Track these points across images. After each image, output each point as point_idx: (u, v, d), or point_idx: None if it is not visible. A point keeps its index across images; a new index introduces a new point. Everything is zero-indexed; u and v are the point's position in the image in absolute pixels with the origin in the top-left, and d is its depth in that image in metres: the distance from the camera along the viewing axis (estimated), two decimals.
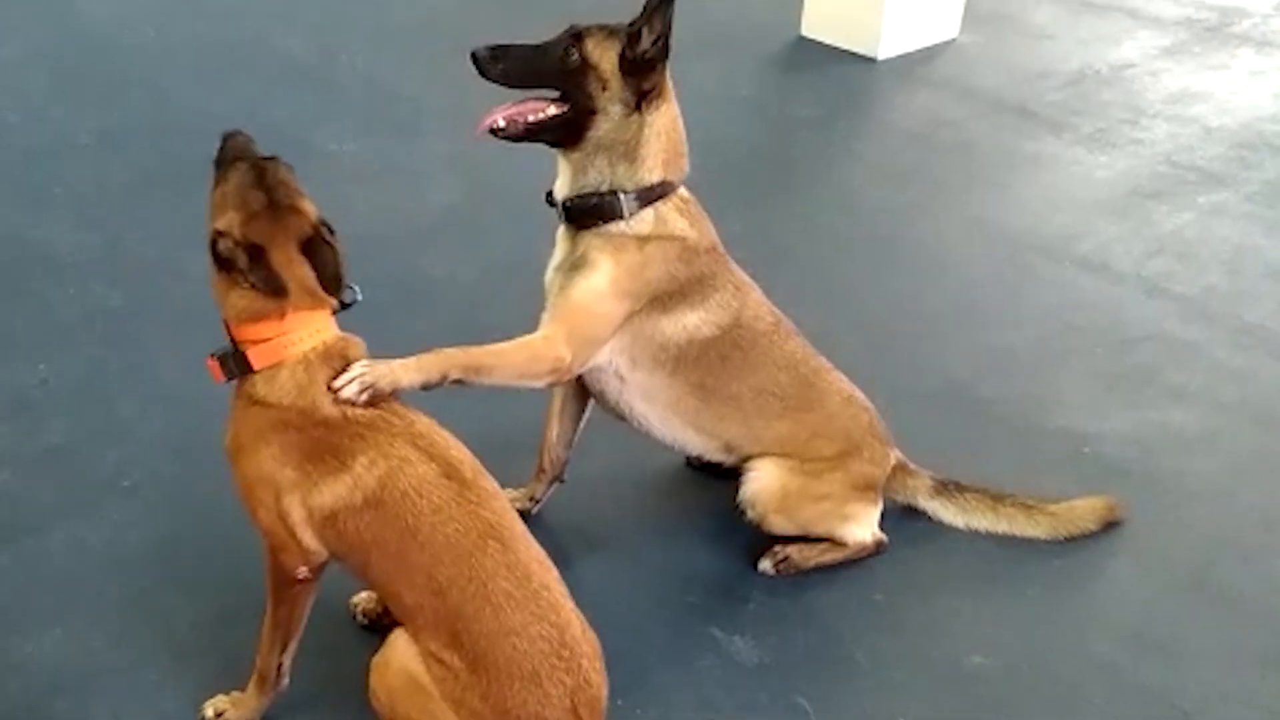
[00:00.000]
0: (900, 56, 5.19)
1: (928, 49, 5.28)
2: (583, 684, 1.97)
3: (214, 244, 2.02)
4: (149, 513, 2.69)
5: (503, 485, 2.67)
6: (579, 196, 2.39)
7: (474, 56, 2.33)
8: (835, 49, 5.21)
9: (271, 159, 2.10)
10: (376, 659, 2.05)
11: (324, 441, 2.00)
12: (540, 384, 2.45)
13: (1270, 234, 4.07)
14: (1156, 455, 3.03)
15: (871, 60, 5.15)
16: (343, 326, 2.12)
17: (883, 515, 2.70)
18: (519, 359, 2.34)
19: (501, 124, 2.35)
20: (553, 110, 2.35)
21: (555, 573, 2.06)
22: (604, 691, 2.04)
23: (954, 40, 5.40)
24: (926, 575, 2.66)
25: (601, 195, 2.38)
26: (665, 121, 2.38)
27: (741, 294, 2.54)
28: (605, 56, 2.31)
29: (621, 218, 2.37)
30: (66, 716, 2.26)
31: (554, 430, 2.70)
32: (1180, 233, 4.05)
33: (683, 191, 2.47)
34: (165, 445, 2.89)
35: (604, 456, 2.79)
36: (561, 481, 2.75)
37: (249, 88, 4.70)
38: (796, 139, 4.63)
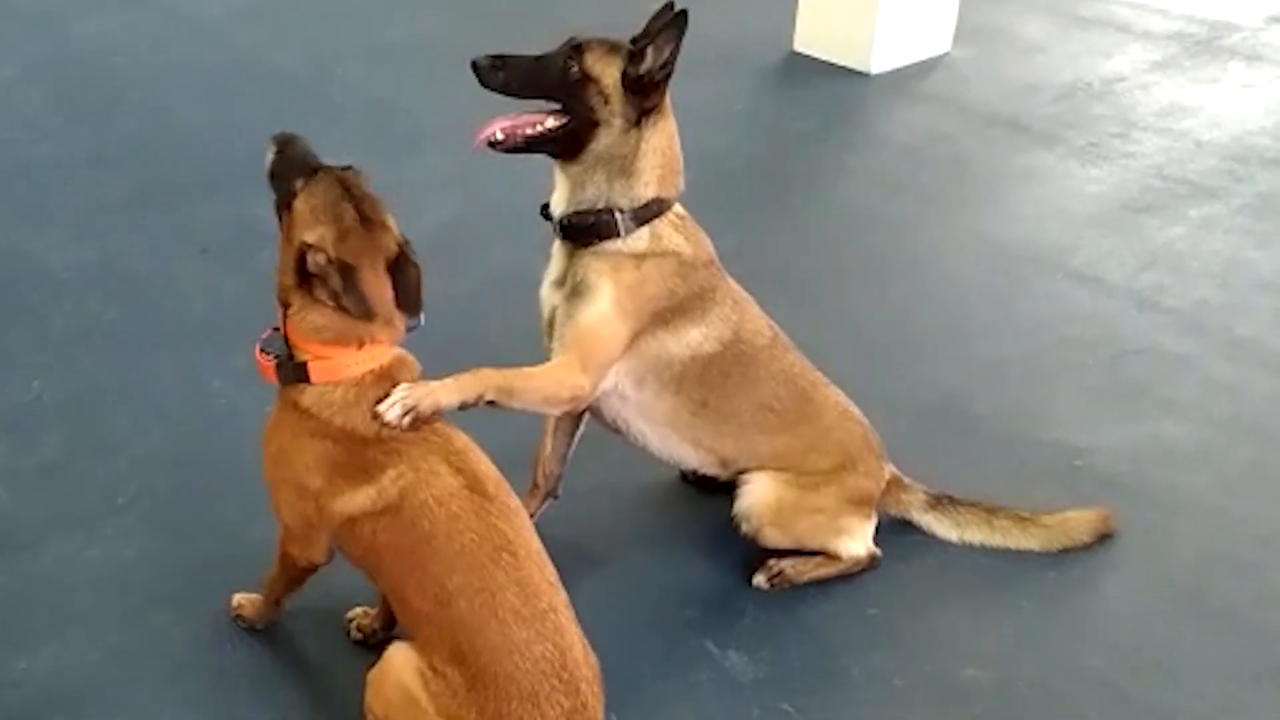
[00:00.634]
0: (893, 71, 5.21)
1: (920, 63, 5.30)
2: (580, 707, 1.97)
3: (302, 257, 1.99)
4: (143, 528, 2.69)
5: None
6: (576, 214, 2.40)
7: (474, 65, 2.34)
8: (828, 64, 5.23)
9: (349, 168, 2.09)
10: (373, 673, 2.06)
11: (357, 456, 2.05)
12: (558, 411, 2.49)
13: (1261, 247, 4.09)
14: (1149, 469, 3.04)
15: (864, 75, 5.18)
16: None
17: (877, 529, 2.70)
18: (546, 385, 2.36)
19: (500, 136, 2.36)
20: (551, 123, 2.36)
21: (565, 596, 2.06)
22: (600, 716, 2.04)
23: (946, 55, 5.43)
24: (921, 589, 2.66)
25: (598, 213, 2.38)
26: (663, 138, 2.40)
27: (740, 308, 2.56)
28: (606, 71, 2.32)
29: (618, 236, 2.38)
30: None
31: (549, 446, 2.70)
32: (1172, 246, 4.07)
33: (678, 208, 2.48)
34: (160, 461, 2.89)
35: (598, 471, 2.80)
36: (556, 498, 2.75)
37: (244, 105, 4.72)
38: (790, 153, 4.65)
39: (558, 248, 2.49)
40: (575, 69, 2.32)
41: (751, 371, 2.55)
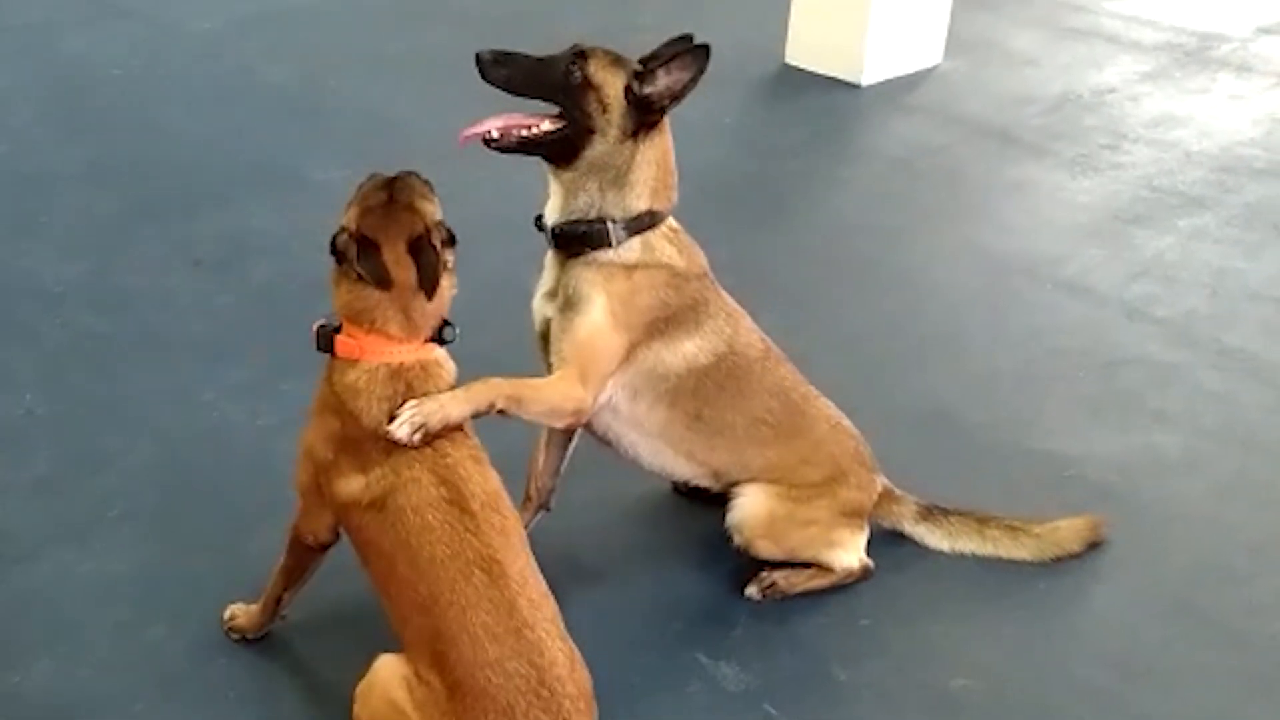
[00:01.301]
0: (884, 83, 5.24)
1: (912, 75, 5.33)
2: None
3: (334, 238, 2.11)
4: (135, 542, 2.69)
5: None
6: (568, 223, 2.41)
7: (478, 58, 2.35)
8: (820, 76, 5.26)
9: (411, 173, 2.19)
10: (360, 685, 2.07)
11: (357, 443, 2.11)
12: (562, 423, 2.50)
13: (1250, 257, 4.11)
14: (1140, 478, 3.05)
15: (856, 87, 5.20)
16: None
17: (869, 540, 2.70)
18: (552, 396, 2.37)
19: (495, 134, 2.36)
20: (548, 125, 2.36)
21: (548, 610, 2.06)
22: None
23: (937, 66, 5.46)
24: (912, 599, 2.67)
25: (590, 223, 2.39)
26: (658, 151, 2.41)
27: (733, 320, 2.56)
28: (609, 81, 2.34)
29: (610, 246, 2.39)
30: None
31: (541, 459, 2.71)
32: (1162, 256, 4.09)
33: (671, 221, 2.49)
34: (151, 475, 2.90)
35: (590, 483, 2.80)
36: (548, 510, 2.75)
37: (236, 118, 4.73)
38: (782, 165, 4.66)
39: (550, 258, 2.50)
40: (577, 73, 2.33)
41: (745, 384, 2.56)
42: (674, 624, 2.58)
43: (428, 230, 2.11)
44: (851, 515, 2.66)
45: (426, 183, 2.20)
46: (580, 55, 2.35)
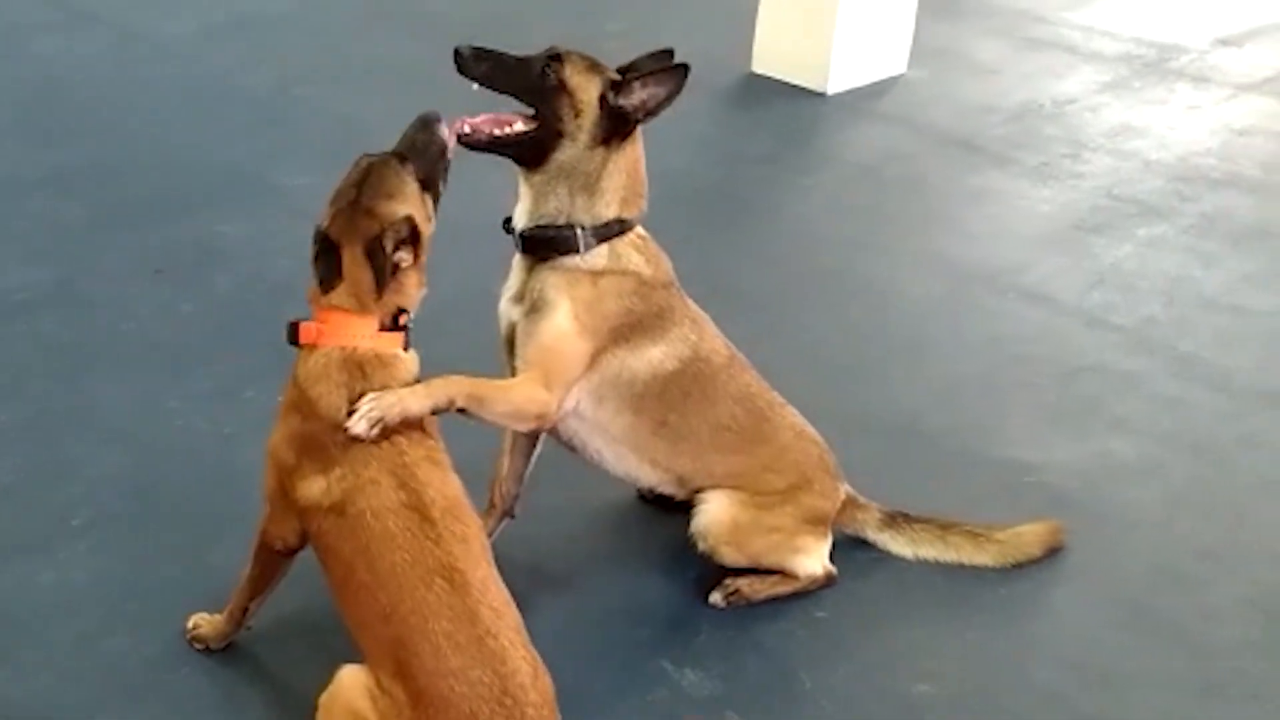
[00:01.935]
0: (849, 91, 5.28)
1: (877, 84, 5.37)
2: None
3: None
4: (98, 552, 2.68)
5: None
6: (537, 227, 2.42)
7: (457, 53, 2.35)
8: (786, 84, 5.28)
9: (391, 157, 2.19)
10: (323, 698, 2.07)
11: (317, 439, 2.11)
12: (525, 427, 2.50)
13: (1206, 266, 4.19)
14: (1098, 485, 3.10)
15: (821, 95, 5.23)
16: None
17: (833, 547, 2.73)
18: (515, 399, 2.38)
19: (467, 130, 2.36)
20: (520, 126, 2.38)
21: (511, 619, 2.07)
22: None
23: (902, 75, 5.50)
24: (875, 606, 2.70)
25: (559, 228, 2.41)
26: (628, 160, 2.42)
27: (698, 327, 2.58)
28: (583, 86, 2.35)
29: (577, 252, 2.41)
30: None
31: (506, 465, 2.72)
32: (1120, 265, 4.15)
33: (639, 229, 2.51)
34: (114, 485, 2.88)
35: (556, 490, 2.81)
36: (513, 517, 2.76)
37: (206, 124, 4.70)
38: (748, 173, 4.69)
39: (517, 262, 2.51)
40: (552, 76, 2.35)
41: (710, 391, 2.58)
42: (638, 631, 2.60)
43: (382, 232, 2.11)
44: (815, 522, 2.69)
45: (405, 162, 2.19)
46: (556, 58, 2.37)
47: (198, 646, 2.44)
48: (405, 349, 2.22)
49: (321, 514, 2.10)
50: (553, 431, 2.58)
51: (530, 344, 2.42)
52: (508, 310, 2.51)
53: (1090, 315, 3.85)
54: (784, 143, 4.92)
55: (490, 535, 2.74)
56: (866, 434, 3.15)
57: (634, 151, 2.44)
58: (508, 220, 2.49)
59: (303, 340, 2.16)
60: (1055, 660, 2.57)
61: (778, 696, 2.46)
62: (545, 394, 2.38)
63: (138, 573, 2.63)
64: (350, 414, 2.09)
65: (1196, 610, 2.73)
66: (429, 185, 2.24)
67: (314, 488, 2.10)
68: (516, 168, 2.44)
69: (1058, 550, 2.81)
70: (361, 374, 2.12)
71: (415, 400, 2.16)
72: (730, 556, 2.63)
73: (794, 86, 5.27)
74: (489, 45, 2.42)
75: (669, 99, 2.36)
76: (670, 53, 2.45)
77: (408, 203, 2.17)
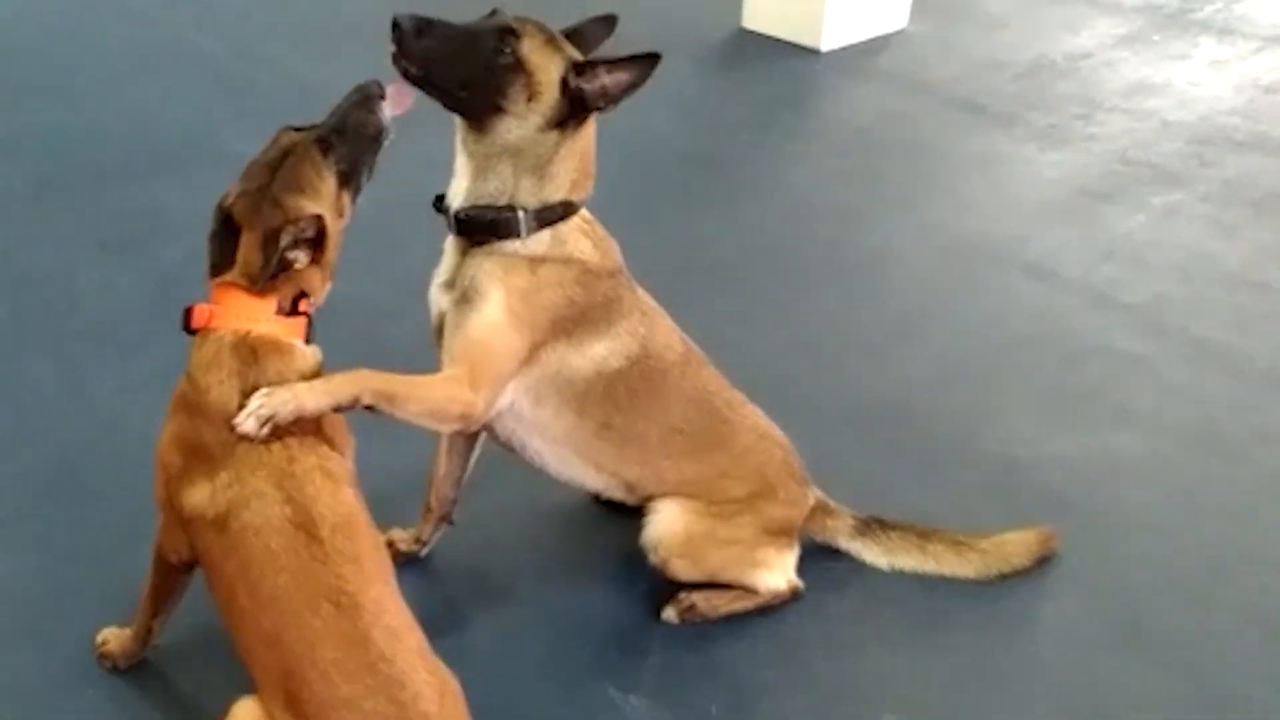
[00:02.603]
0: (846, 48, 4.98)
1: (875, 40, 5.07)
2: None
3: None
4: (10, 554, 2.49)
5: (389, 525, 2.51)
6: (474, 208, 2.18)
7: (396, 24, 2.05)
8: (778, 41, 5.00)
9: (322, 140, 2.00)
10: None
11: (202, 438, 1.94)
12: (447, 428, 2.28)
13: (1227, 238, 3.89)
14: (1097, 483, 2.85)
15: (815, 52, 4.94)
16: None
17: (802, 556, 2.51)
18: (434, 396, 2.15)
19: (410, 104, 2.11)
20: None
21: (411, 642, 1.89)
22: None
23: (903, 30, 5.20)
24: (845, 624, 2.47)
25: (499, 210, 2.17)
26: (583, 141, 2.19)
27: (649, 320, 2.35)
28: (543, 66, 2.10)
29: (517, 236, 2.17)
30: None
31: (442, 466, 2.50)
32: (1131, 236, 3.87)
33: (584, 212, 2.28)
34: (35, 476, 2.69)
35: (498, 492, 2.60)
36: (451, 523, 2.55)
37: (161, 89, 4.47)
38: (733, 138, 4.41)
39: (450, 244, 2.27)
40: (508, 53, 2.08)
41: (660, 390, 2.36)
42: (582, 650, 2.38)
43: (282, 227, 1.92)
44: (778, 533, 2.46)
45: (329, 151, 1.99)
46: (510, 31, 2.10)
47: (105, 665, 2.27)
48: (307, 341, 2.01)
49: (205, 526, 1.93)
50: (490, 432, 2.36)
51: (457, 337, 2.19)
52: (438, 297, 2.28)
53: (1097, 292, 3.58)
54: (774, 105, 4.64)
55: (426, 542, 2.56)
56: (850, 422, 2.94)
57: (588, 130, 2.20)
58: (440, 198, 2.25)
59: (195, 324, 1.98)
60: (1041, 689, 2.34)
61: None
62: (469, 393, 2.15)
63: (51, 576, 2.45)
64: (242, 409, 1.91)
65: (1198, 629, 2.48)
66: (351, 176, 2.03)
67: (198, 495, 1.93)
68: (457, 136, 2.19)
69: (1048, 559, 2.57)
70: (255, 360, 1.93)
71: (313, 396, 1.94)
72: (684, 570, 2.41)
73: (786, 43, 4.97)
74: (447, 14, 2.13)
75: (633, 87, 2.12)
76: (614, 18, 2.23)
77: (320, 200, 1.98)
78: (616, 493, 2.45)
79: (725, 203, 3.97)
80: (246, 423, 1.88)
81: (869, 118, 4.58)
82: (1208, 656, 2.42)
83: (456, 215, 2.20)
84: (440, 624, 2.17)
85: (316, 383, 1.97)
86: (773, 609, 2.45)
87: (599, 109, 2.15)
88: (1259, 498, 2.84)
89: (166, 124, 4.24)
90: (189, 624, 2.25)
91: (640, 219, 3.69)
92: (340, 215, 2.03)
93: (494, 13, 2.16)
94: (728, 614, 2.43)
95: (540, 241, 2.20)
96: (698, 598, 2.43)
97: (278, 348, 1.96)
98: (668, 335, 2.39)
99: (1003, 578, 2.53)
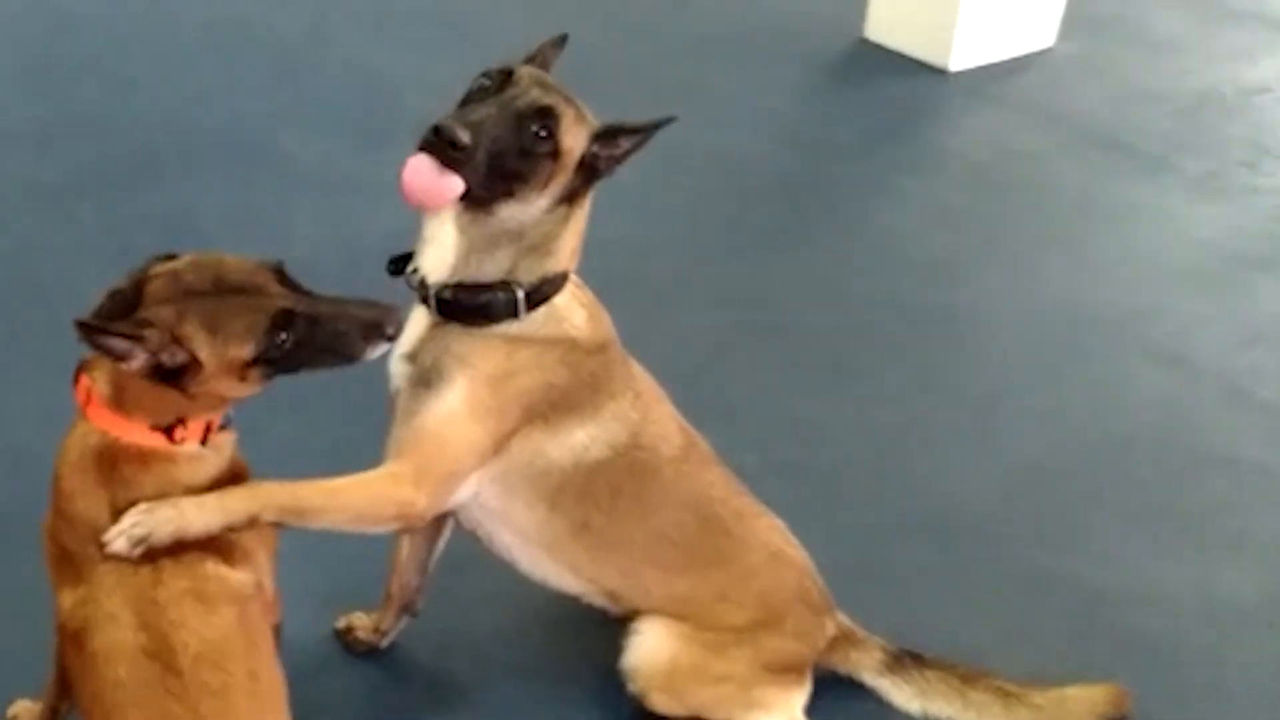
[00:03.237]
0: (978, 69, 4.49)
1: (1013, 60, 4.57)
2: None
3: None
4: None
5: (350, 609, 2.26)
6: (462, 287, 1.88)
7: (441, 132, 1.73)
8: (901, 56, 4.53)
9: (294, 312, 1.66)
10: None
11: (68, 543, 1.70)
12: (382, 530, 2.01)
13: None
14: (1194, 630, 2.43)
15: (942, 72, 4.47)
16: None
17: (820, 688, 2.17)
18: (356, 501, 1.88)
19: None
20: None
21: None
22: None
23: (1048, 50, 4.68)
24: None
25: (493, 289, 1.88)
26: (584, 211, 1.94)
27: (644, 404, 2.04)
28: (575, 147, 1.85)
29: (514, 318, 1.90)
30: None
31: (405, 549, 2.22)
32: None
33: (573, 277, 1.99)
34: (9, 506, 2.49)
35: (471, 581, 2.29)
36: (413, 615, 2.27)
37: (218, 74, 4.26)
38: (830, 168, 3.98)
39: (418, 314, 1.97)
40: (547, 138, 1.80)
41: (649, 489, 2.05)
42: None
43: (146, 331, 1.60)
44: (782, 670, 2.13)
45: (286, 323, 1.66)
46: (549, 113, 1.81)
47: None
48: (203, 441, 1.72)
49: (67, 638, 1.71)
50: (455, 516, 2.07)
51: (407, 426, 1.90)
52: (398, 369, 1.98)
53: (1232, 385, 3.09)
54: (884, 131, 4.20)
55: (386, 634, 2.29)
56: (903, 527, 2.60)
57: (588, 201, 1.94)
58: (397, 261, 1.95)
59: (77, 395, 1.69)
60: None
61: None
62: (409, 490, 1.86)
63: None
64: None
65: None
66: (277, 365, 1.69)
67: (66, 600, 1.70)
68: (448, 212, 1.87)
69: None
70: (119, 476, 1.66)
71: (201, 515, 1.68)
72: (665, 705, 2.10)
73: (910, 60, 4.50)
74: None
75: (634, 150, 1.90)
76: (565, 37, 1.98)
77: (220, 353, 1.63)
78: (597, 600, 2.16)
79: (805, 244, 3.57)
80: (117, 542, 1.64)
81: (991, 153, 4.10)
82: None
83: (438, 295, 1.90)
84: None
85: (207, 499, 1.70)
86: None
87: (605, 175, 1.91)
88: None
89: (217, 114, 4.03)
90: None
91: (703, 257, 3.32)
92: (241, 380, 1.69)
93: (509, 74, 1.85)
94: None
95: (533, 321, 1.92)
96: None
97: (145, 460, 1.67)
98: (664, 424, 2.07)
99: None
